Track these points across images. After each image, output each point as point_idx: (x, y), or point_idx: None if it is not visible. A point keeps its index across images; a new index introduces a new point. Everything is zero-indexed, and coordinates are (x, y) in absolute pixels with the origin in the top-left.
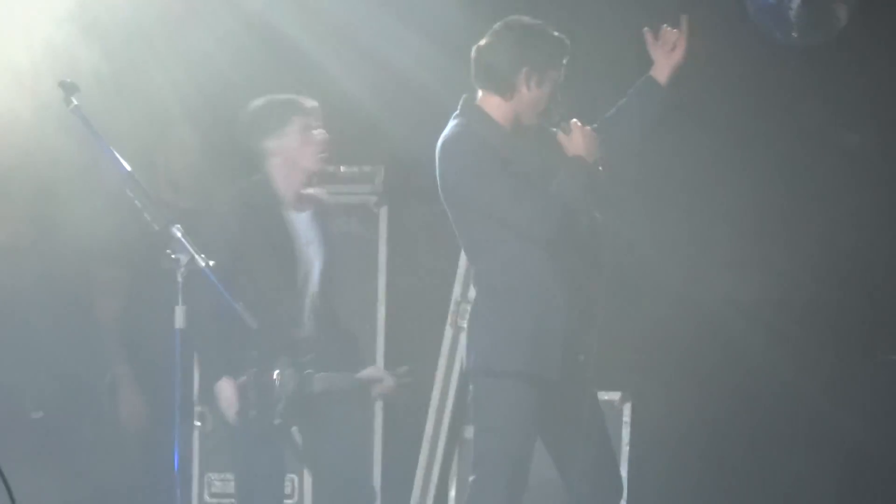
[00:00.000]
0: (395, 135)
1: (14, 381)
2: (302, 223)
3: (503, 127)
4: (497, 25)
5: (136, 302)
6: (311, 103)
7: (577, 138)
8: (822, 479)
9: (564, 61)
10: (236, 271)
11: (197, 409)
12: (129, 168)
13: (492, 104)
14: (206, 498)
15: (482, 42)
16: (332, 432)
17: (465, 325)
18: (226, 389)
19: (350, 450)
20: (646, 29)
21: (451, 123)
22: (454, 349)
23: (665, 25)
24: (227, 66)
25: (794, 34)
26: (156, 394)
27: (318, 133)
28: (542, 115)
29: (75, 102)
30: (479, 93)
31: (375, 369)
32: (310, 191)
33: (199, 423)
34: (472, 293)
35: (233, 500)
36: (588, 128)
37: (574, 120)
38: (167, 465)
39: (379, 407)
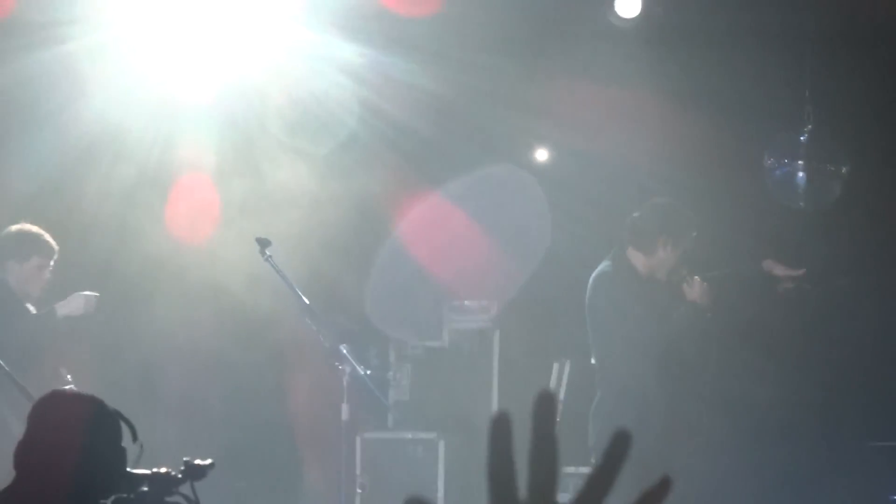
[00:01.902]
0: (506, 277)
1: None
2: None
3: (642, 275)
4: (647, 203)
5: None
6: (52, 247)
7: (696, 290)
8: None
9: (694, 234)
10: None
11: (359, 479)
12: (307, 301)
13: (635, 257)
14: None
15: (635, 214)
16: None
17: (557, 420)
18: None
19: None
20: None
21: (604, 264)
22: None
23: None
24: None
25: (802, 203)
26: (329, 468)
27: (46, 274)
28: (672, 271)
29: (268, 254)
30: (628, 248)
31: None
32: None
33: (359, 491)
34: (561, 394)
35: None
36: (705, 283)
37: (696, 277)
38: None
39: None
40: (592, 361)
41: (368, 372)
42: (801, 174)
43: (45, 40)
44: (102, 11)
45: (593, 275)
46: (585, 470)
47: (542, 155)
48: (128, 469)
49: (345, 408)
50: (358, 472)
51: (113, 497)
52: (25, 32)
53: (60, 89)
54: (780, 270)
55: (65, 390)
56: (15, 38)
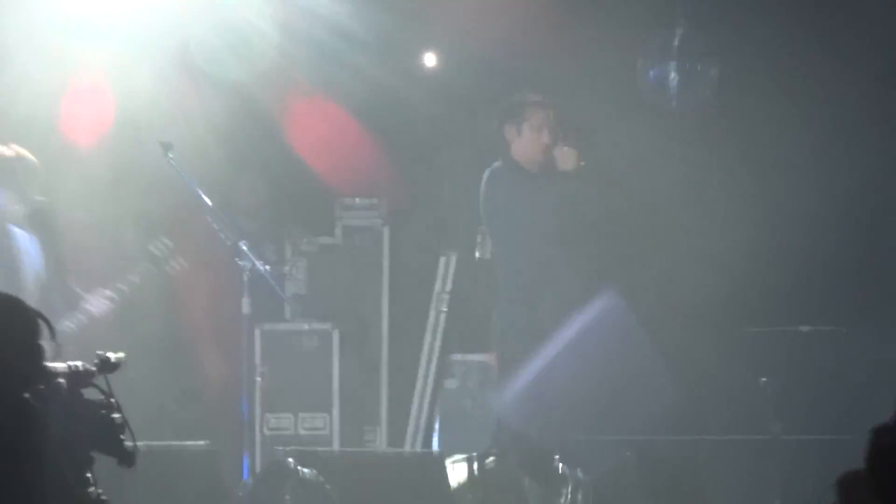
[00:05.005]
0: (394, 175)
1: None
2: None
3: (522, 165)
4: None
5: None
6: None
7: (564, 156)
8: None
9: (538, 111)
10: None
11: (259, 368)
12: (209, 202)
13: (513, 149)
14: (265, 432)
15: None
16: None
17: (444, 310)
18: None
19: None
20: None
21: (494, 164)
22: (436, 326)
23: None
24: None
25: (674, 103)
26: (231, 358)
27: None
28: (548, 149)
29: (171, 156)
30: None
31: None
32: None
33: (259, 379)
34: (448, 286)
35: (285, 433)
36: (570, 149)
37: (565, 147)
38: (238, 408)
39: (384, 365)
40: (477, 255)
41: (267, 267)
42: (673, 75)
43: None
44: None
45: (487, 172)
46: (475, 357)
47: (430, 60)
48: (44, 364)
49: (245, 301)
50: (258, 361)
51: (31, 389)
52: None
53: None
54: None
55: None
56: None
